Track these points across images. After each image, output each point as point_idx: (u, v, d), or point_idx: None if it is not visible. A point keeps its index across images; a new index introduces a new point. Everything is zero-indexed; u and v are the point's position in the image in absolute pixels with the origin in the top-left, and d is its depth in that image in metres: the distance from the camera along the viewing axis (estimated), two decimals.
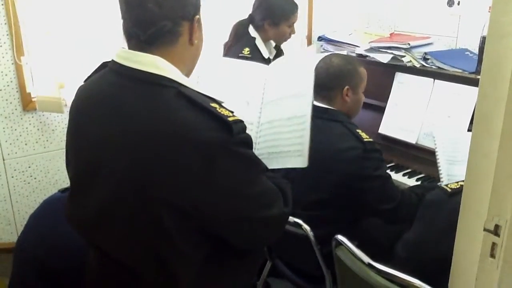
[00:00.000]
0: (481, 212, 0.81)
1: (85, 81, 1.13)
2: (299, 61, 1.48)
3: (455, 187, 1.26)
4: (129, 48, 1.03)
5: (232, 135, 0.94)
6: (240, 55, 2.22)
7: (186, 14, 1.01)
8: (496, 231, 0.79)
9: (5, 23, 1.95)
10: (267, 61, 2.31)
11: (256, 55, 2.25)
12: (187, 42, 1.04)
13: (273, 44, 2.39)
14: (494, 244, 0.80)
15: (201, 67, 1.06)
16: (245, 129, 0.99)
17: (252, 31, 2.32)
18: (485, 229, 0.80)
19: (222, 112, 0.95)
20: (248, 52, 2.23)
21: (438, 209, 1.26)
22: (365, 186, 1.62)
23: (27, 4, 1.93)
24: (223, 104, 1.00)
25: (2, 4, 1.93)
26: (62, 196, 1.88)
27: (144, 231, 0.97)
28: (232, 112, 0.98)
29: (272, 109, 1.39)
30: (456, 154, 1.69)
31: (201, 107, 0.95)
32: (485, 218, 0.80)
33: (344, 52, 2.53)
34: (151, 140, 0.93)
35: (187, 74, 1.09)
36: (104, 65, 1.09)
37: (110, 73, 1.04)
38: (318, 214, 1.62)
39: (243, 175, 0.99)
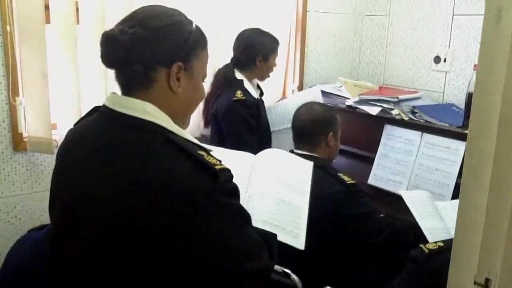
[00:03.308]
0: (471, 265, 0.81)
1: (75, 124, 1.13)
2: (296, 159, 1.59)
3: (433, 247, 1.27)
4: (120, 89, 1.05)
5: (218, 183, 0.94)
6: (234, 99, 2.26)
7: (161, 60, 1.01)
8: (486, 284, 0.79)
9: (3, 64, 1.97)
10: (257, 101, 2.35)
11: (248, 97, 2.30)
12: (166, 88, 1.03)
13: (255, 84, 2.45)
14: None
15: None
16: (232, 178, 0.99)
17: (238, 74, 2.36)
18: (475, 283, 0.80)
19: (209, 160, 0.95)
20: (242, 95, 2.28)
21: (419, 268, 1.27)
22: (353, 225, 1.64)
23: (26, 46, 1.96)
24: (211, 153, 1.00)
25: (1, 46, 1.96)
26: (35, 234, 1.84)
27: (126, 278, 0.95)
28: (220, 161, 0.98)
29: (262, 186, 1.43)
30: (426, 210, 1.73)
31: (188, 154, 0.95)
32: (476, 271, 0.80)
33: (335, 103, 2.59)
34: (137, 188, 0.92)
35: (178, 123, 1.05)
36: (95, 109, 1.10)
37: (100, 118, 1.05)
38: (308, 263, 1.60)
39: (227, 226, 0.97)
